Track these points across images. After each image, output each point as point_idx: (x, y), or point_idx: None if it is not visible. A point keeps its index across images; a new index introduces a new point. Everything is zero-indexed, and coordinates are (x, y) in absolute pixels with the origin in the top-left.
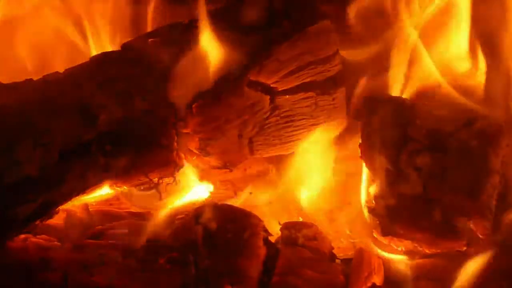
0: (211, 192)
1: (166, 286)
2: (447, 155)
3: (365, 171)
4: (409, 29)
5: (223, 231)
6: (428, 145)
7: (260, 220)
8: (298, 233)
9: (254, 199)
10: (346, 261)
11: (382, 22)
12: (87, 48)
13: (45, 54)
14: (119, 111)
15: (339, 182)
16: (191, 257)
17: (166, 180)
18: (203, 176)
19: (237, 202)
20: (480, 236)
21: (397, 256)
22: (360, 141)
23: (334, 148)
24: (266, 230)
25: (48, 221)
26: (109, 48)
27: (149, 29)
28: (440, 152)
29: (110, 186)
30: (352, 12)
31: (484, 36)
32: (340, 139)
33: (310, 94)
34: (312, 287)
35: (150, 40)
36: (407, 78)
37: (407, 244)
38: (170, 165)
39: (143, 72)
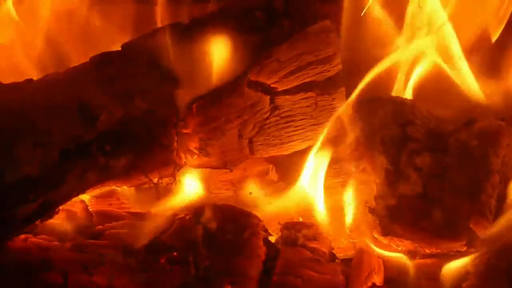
0: (211, 192)
1: (166, 286)
2: (447, 155)
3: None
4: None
5: (223, 231)
6: (428, 145)
7: (260, 220)
8: (298, 233)
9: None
10: (346, 261)
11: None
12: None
13: None
14: (119, 111)
15: (339, 182)
16: (191, 257)
17: (166, 180)
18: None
19: None
20: (480, 236)
21: (397, 256)
22: (360, 141)
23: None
24: (266, 230)
25: (48, 221)
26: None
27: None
28: (440, 152)
29: (110, 186)
30: None
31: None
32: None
33: (310, 94)
34: (312, 287)
35: (150, 40)
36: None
37: (407, 244)
38: (170, 165)
39: (143, 72)
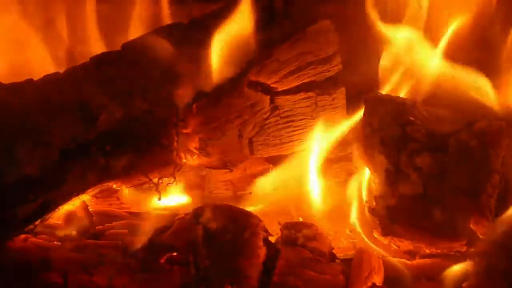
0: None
1: (166, 286)
2: (447, 155)
3: (365, 171)
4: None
5: (223, 231)
6: (428, 145)
7: (260, 220)
8: (298, 233)
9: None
10: (346, 261)
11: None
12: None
13: None
14: (119, 111)
15: (339, 182)
16: (191, 257)
17: (166, 180)
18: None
19: None
20: (480, 236)
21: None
22: (360, 141)
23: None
24: (266, 230)
25: (48, 221)
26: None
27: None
28: (440, 152)
29: (110, 186)
30: None
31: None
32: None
33: (310, 94)
34: (312, 287)
35: (150, 40)
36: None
37: (407, 244)
38: (170, 165)
39: (143, 72)
